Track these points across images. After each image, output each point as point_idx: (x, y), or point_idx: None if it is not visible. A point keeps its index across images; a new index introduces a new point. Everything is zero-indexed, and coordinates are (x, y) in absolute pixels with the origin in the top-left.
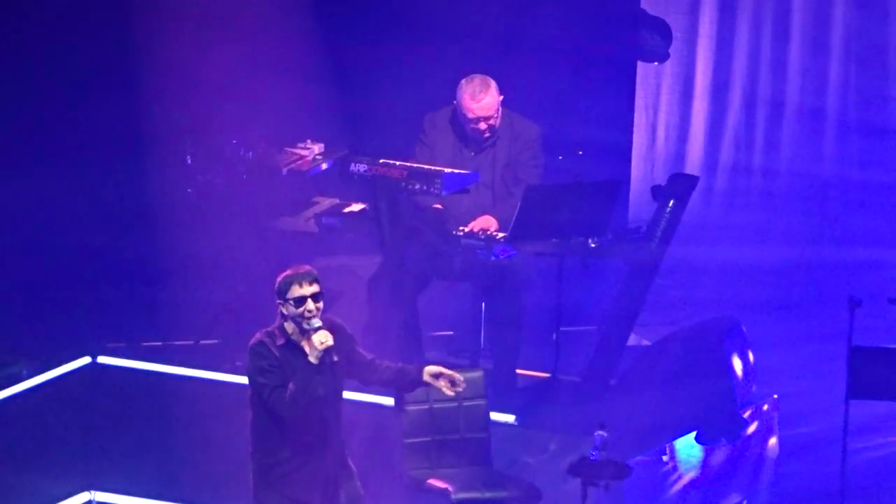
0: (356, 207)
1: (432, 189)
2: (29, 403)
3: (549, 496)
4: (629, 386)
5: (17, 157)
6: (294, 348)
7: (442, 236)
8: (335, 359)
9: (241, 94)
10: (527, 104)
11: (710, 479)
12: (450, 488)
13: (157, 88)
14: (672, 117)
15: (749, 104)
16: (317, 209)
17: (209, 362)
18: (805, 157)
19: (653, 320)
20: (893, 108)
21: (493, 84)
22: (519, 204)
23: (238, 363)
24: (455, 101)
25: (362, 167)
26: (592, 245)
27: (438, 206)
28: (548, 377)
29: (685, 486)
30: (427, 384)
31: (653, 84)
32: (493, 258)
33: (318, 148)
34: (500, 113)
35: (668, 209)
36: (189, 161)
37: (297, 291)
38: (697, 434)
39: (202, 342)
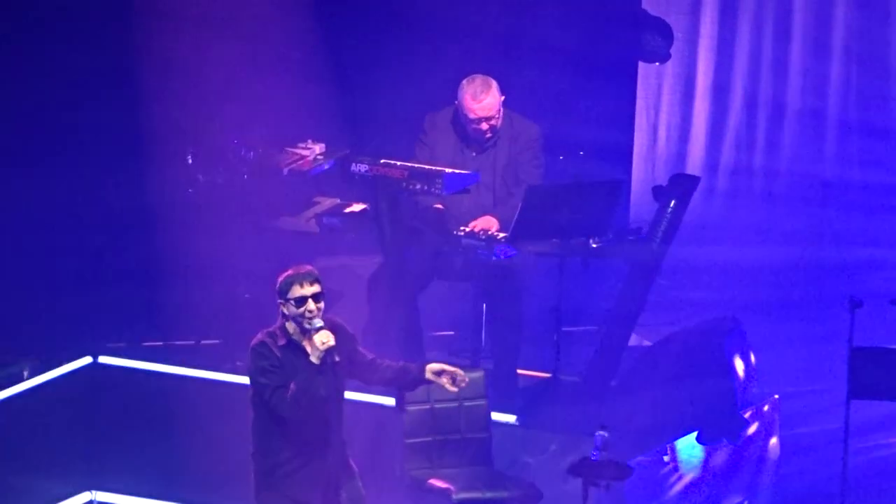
0: (357, 207)
1: (433, 189)
2: (30, 403)
3: (550, 496)
4: (630, 386)
5: (17, 157)
6: (295, 348)
7: (443, 236)
8: (336, 359)
9: (241, 94)
10: (527, 104)
11: (710, 480)
12: (451, 488)
13: (157, 88)
14: (673, 117)
15: (750, 104)
16: (318, 209)
17: (210, 362)
18: (806, 157)
19: (654, 321)
20: (894, 109)
21: (494, 84)
22: (520, 204)
23: (239, 363)
24: (456, 102)
25: (363, 167)
26: (593, 245)
27: (439, 206)
28: (549, 377)
29: (686, 487)
30: (429, 382)
31: (654, 84)
32: (493, 258)
33: (318, 148)
34: (501, 113)
35: (670, 209)
36: (190, 161)
37: (298, 291)
38: (698, 434)
39: (203, 342)
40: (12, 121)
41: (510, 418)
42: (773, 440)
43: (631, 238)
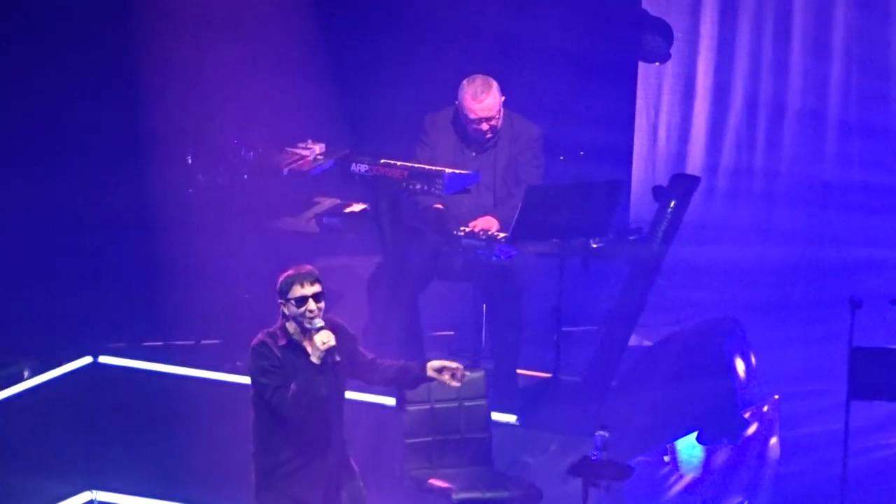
0: (357, 207)
1: (433, 189)
2: (30, 403)
3: (550, 496)
4: (630, 386)
5: (17, 157)
6: (296, 348)
7: (443, 237)
8: (337, 359)
9: (241, 94)
10: (527, 104)
11: (711, 480)
12: (451, 488)
13: (157, 88)
14: (673, 118)
15: (750, 105)
16: (318, 209)
17: (210, 362)
18: (806, 157)
19: (654, 321)
20: (894, 109)
21: (494, 85)
22: (520, 204)
23: (239, 363)
24: (457, 102)
25: (363, 167)
26: (594, 245)
27: (439, 206)
28: (549, 377)
29: (686, 487)
30: (431, 379)
31: (654, 84)
32: (494, 258)
33: (319, 148)
34: (501, 114)
35: (670, 210)
36: (190, 161)
37: (298, 291)
38: (698, 435)
39: (203, 342)
40: (12, 121)
41: (510, 418)
42: (773, 440)
43: (631, 238)
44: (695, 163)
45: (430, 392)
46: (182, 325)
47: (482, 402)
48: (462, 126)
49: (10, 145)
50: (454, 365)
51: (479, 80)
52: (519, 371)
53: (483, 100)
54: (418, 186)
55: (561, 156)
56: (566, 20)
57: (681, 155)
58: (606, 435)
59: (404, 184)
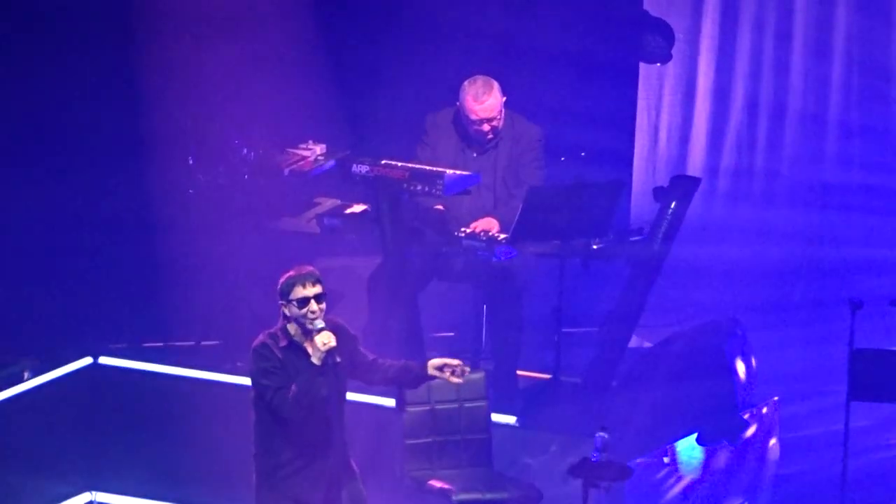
0: (358, 208)
1: (434, 190)
2: (30, 404)
3: (550, 497)
4: (630, 387)
5: (18, 157)
6: (297, 349)
7: (443, 237)
8: (338, 360)
9: (241, 94)
10: (528, 105)
11: (710, 481)
12: (451, 489)
13: (157, 88)
14: (674, 118)
15: (751, 106)
16: (318, 210)
17: (210, 363)
18: (806, 159)
19: (654, 322)
20: (895, 110)
21: (496, 85)
22: (521, 205)
23: (239, 364)
24: (458, 103)
25: (364, 168)
26: (594, 246)
27: (440, 207)
28: (549, 378)
29: (686, 488)
30: (432, 378)
31: (655, 85)
32: (494, 259)
33: (319, 149)
34: (502, 114)
35: (670, 210)
36: (191, 161)
37: (299, 292)
38: (698, 436)
39: (203, 343)
40: (12, 121)
41: (510, 419)
42: (773, 442)
43: (632, 239)
44: (695, 163)
45: (430, 393)
46: (182, 325)
47: (482, 402)
48: (463, 126)
49: (10, 145)
50: (455, 362)
51: (481, 80)
52: (519, 372)
53: (484, 101)
54: (419, 187)
55: (562, 157)
56: (567, 20)
57: (681, 156)
58: (606, 436)
59: (405, 184)
